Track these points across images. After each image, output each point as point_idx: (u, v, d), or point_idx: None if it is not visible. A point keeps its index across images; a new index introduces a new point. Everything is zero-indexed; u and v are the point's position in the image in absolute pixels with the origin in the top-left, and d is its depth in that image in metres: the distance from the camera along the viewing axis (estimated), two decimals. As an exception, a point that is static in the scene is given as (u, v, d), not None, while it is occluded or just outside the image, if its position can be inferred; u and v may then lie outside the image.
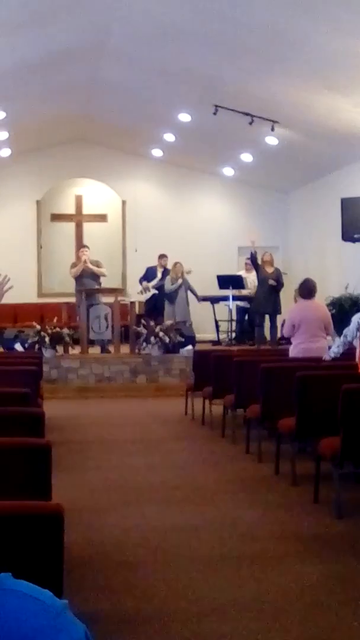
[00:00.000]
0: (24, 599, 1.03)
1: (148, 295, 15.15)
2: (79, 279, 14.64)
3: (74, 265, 14.96)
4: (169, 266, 15.52)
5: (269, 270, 14.89)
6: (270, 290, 14.68)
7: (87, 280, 14.56)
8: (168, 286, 15.30)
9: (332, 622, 3.69)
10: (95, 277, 14.68)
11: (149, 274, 15.69)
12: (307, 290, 8.91)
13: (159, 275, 15.56)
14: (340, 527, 5.17)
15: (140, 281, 15.80)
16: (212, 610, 3.83)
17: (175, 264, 15.46)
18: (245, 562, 4.51)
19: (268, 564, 4.49)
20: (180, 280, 15.25)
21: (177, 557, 4.61)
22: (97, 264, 14.80)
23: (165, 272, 15.49)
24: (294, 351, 8.76)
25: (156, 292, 15.29)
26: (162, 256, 15.74)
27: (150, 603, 3.94)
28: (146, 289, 15.31)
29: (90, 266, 14.52)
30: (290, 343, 9.03)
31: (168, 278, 15.37)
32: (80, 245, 17.41)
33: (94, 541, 4.96)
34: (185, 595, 4.00)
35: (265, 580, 4.21)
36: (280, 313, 14.80)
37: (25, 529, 2.52)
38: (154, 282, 15.44)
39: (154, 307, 15.07)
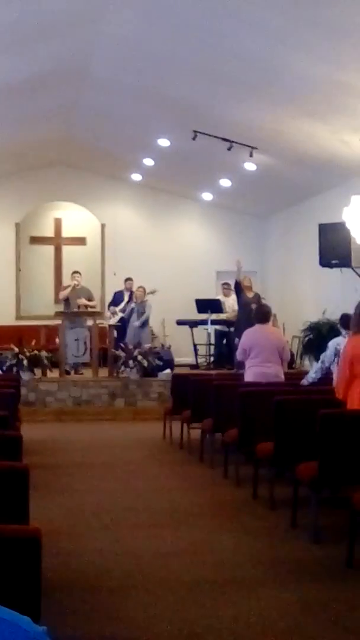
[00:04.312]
0: (4, 625, 1.03)
1: (116, 319, 15.16)
2: (67, 302, 14.94)
3: (64, 288, 15.45)
4: (135, 289, 15.52)
5: (249, 294, 14.95)
6: (251, 315, 14.69)
7: (74, 304, 14.82)
8: (146, 314, 15.25)
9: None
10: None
11: (116, 299, 15.77)
12: (261, 314, 8.97)
13: (126, 298, 15.59)
14: (318, 552, 5.18)
15: (109, 306, 15.90)
16: (189, 636, 3.81)
17: (138, 288, 15.42)
18: (224, 587, 4.50)
19: (246, 588, 4.48)
20: (149, 306, 15.18)
21: (155, 582, 4.59)
22: (89, 296, 15.27)
23: (132, 295, 15.52)
24: (247, 375, 8.73)
25: (123, 315, 15.28)
26: (128, 279, 15.81)
27: (128, 628, 3.91)
28: (114, 313, 15.34)
29: (85, 301, 14.94)
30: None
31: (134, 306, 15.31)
32: (59, 268, 17.51)
33: (72, 565, 4.92)
34: (162, 620, 3.98)
35: (244, 605, 4.20)
36: None
37: (3, 552, 2.50)
38: (121, 305, 15.48)
39: (123, 331, 15.06)
